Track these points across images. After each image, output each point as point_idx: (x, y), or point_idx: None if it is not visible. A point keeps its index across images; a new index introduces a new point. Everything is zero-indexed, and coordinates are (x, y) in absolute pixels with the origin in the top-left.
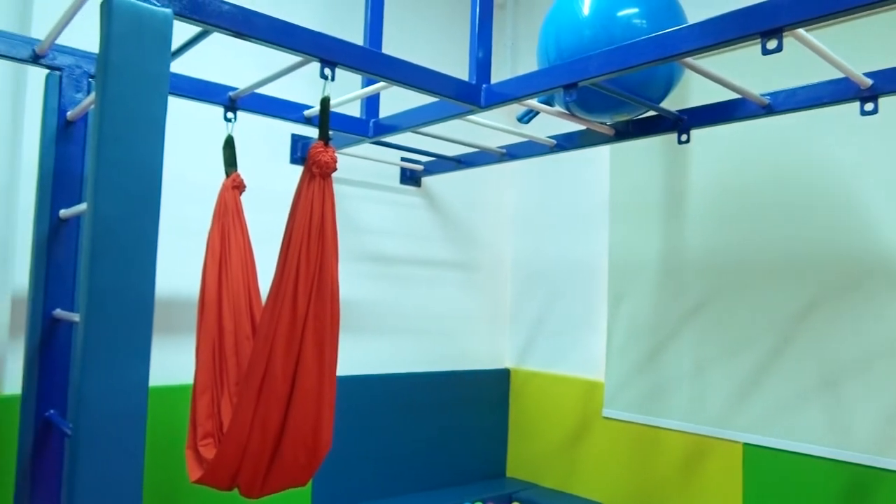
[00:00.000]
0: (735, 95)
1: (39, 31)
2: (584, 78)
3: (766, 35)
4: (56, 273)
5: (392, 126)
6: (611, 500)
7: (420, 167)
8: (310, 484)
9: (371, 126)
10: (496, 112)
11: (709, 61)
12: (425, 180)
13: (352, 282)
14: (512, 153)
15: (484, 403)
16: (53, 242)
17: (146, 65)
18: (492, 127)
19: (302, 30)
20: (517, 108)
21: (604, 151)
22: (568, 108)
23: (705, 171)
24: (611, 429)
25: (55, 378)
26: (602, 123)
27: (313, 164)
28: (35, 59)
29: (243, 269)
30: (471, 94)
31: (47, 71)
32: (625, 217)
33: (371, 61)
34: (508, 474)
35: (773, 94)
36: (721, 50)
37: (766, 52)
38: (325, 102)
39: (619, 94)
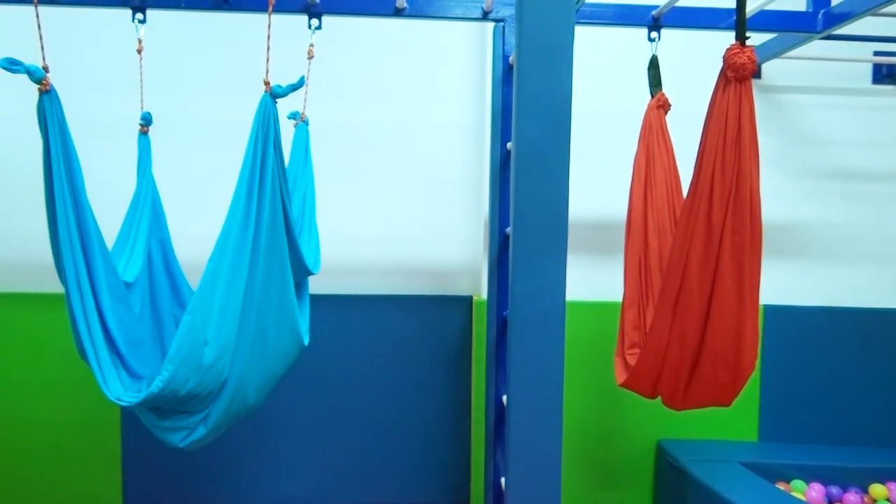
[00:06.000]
0: None
1: None
2: None
3: None
4: (506, 196)
5: (845, 14)
6: None
7: None
8: (756, 414)
9: (820, 18)
10: None
11: None
12: None
13: (805, 202)
14: None
15: None
16: (504, 170)
17: None
18: None
19: None
20: None
21: None
22: None
23: None
24: None
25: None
26: None
27: (728, 67)
28: (485, 16)
29: (668, 187)
30: None
31: (493, 24)
32: None
33: None
34: None
35: None
36: None
37: None
38: None
39: None
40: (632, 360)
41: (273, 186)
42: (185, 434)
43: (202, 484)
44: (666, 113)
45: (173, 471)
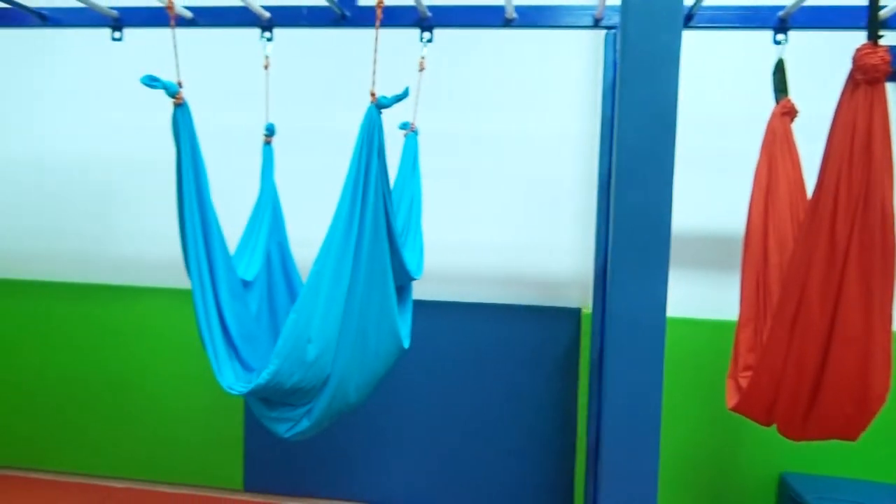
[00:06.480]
0: None
1: None
2: None
3: None
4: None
5: None
6: None
7: None
8: None
9: None
10: None
11: None
12: None
13: None
14: None
15: None
16: (611, 181)
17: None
18: None
19: None
20: None
21: None
22: None
23: None
24: None
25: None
26: None
27: (857, 69)
28: (596, 24)
29: (791, 200)
30: None
31: (605, 31)
32: None
33: None
34: None
35: None
36: None
37: None
38: None
39: None
40: (744, 383)
41: (376, 193)
42: (290, 425)
43: (313, 473)
44: (792, 120)
45: (289, 459)
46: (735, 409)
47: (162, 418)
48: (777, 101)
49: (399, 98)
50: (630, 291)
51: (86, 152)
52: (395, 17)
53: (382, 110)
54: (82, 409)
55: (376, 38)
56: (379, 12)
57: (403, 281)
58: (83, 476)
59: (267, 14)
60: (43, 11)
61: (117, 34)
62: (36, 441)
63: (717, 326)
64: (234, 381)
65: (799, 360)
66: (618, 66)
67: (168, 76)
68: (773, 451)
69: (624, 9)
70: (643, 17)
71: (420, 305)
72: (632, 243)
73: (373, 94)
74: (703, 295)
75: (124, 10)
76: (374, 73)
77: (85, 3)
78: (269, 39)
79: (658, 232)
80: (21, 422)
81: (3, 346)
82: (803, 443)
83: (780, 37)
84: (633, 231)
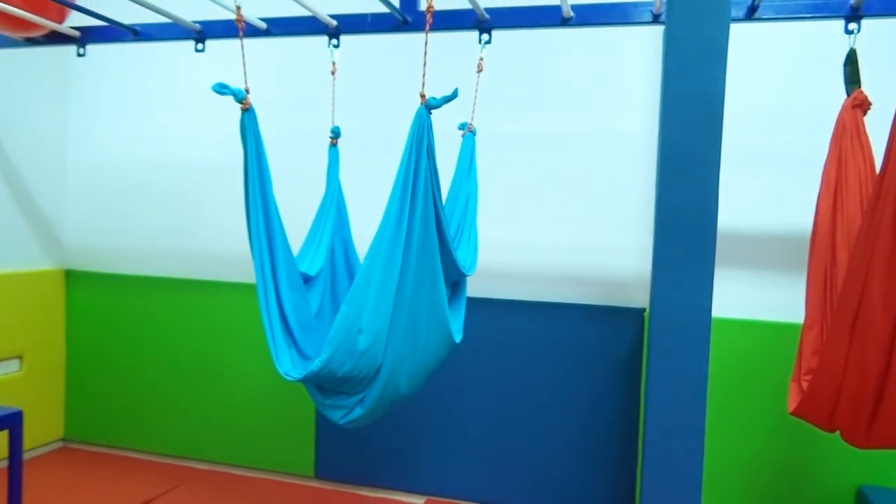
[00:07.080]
0: None
1: None
2: None
3: None
4: None
5: None
6: None
7: None
8: None
9: None
10: None
11: None
12: None
13: None
14: None
15: None
16: None
17: None
18: None
19: None
20: None
21: None
22: None
23: None
24: None
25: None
26: None
27: None
28: (655, 19)
29: (862, 196)
30: None
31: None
32: None
33: None
34: None
35: None
36: None
37: None
38: None
39: None
40: (806, 386)
41: (426, 190)
42: (344, 412)
43: (381, 463)
44: (865, 113)
45: (359, 449)
46: (795, 412)
47: (240, 406)
48: (848, 93)
49: (448, 99)
50: (673, 289)
51: (178, 157)
52: (454, 21)
53: (433, 111)
54: (169, 395)
55: (426, 42)
56: (429, 17)
57: (455, 277)
58: (169, 457)
59: (334, 22)
60: (136, 27)
61: (200, 46)
62: (128, 422)
63: (788, 329)
64: (290, 367)
65: (860, 362)
66: (664, 59)
67: (252, 87)
68: (851, 461)
69: (669, 3)
70: (689, 8)
71: (487, 303)
72: (675, 241)
73: (422, 96)
74: (775, 296)
75: (206, 24)
76: (423, 74)
77: (171, 18)
78: (336, 46)
79: (703, 230)
80: (115, 405)
81: (99, 336)
82: (885, 453)
83: (851, 26)
84: (676, 228)
